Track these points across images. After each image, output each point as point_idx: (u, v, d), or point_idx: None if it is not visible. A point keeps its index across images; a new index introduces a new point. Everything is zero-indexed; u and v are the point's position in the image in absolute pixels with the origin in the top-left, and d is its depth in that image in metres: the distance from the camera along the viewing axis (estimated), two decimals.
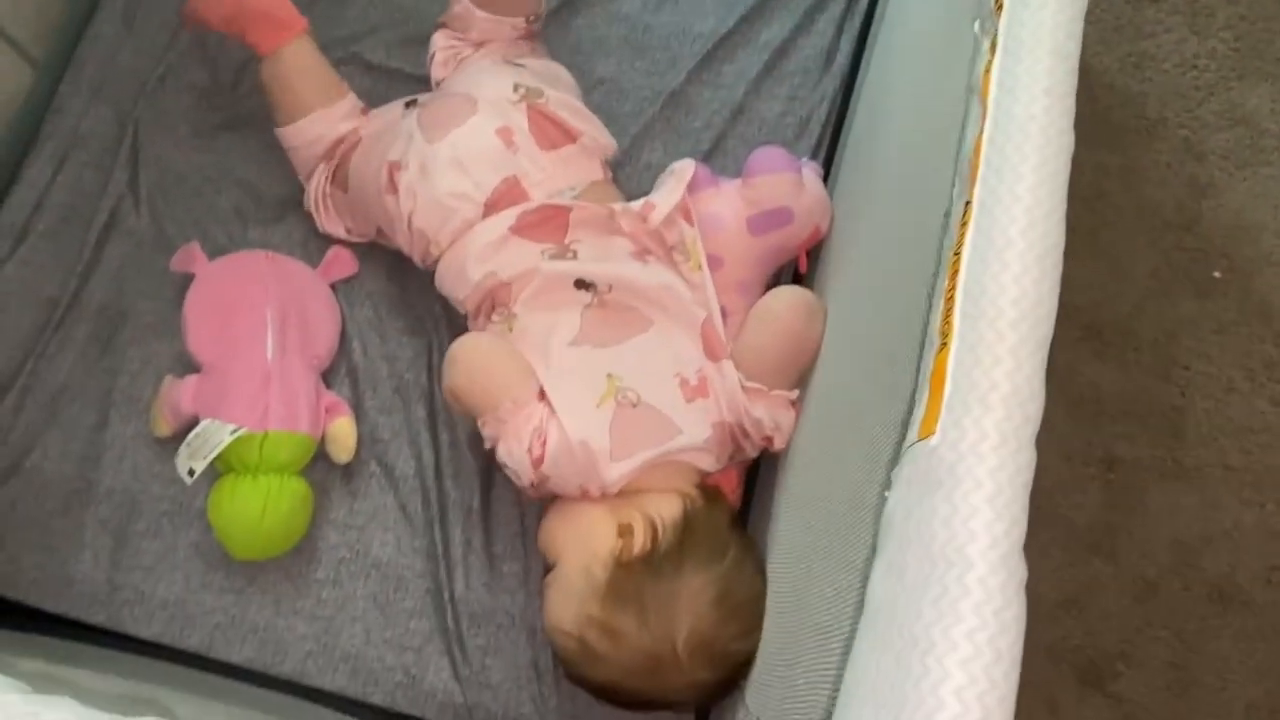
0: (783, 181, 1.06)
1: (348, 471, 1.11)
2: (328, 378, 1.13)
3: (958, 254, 0.56)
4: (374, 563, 1.08)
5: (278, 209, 1.20)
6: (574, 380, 0.98)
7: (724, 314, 1.08)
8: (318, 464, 1.10)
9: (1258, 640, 1.34)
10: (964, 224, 0.57)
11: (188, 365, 1.12)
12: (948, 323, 0.54)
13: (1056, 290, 0.54)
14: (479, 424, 1.00)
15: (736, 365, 1.00)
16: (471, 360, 1.01)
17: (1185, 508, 1.38)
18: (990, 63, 0.60)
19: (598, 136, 1.11)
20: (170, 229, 1.19)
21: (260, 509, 1.03)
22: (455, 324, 1.12)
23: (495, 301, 1.04)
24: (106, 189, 1.19)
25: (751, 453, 1.02)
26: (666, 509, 0.94)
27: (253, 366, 1.07)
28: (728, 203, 1.08)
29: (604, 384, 0.97)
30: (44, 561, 1.07)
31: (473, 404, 1.00)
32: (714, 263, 1.08)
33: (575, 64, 1.23)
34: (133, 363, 1.14)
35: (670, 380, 0.99)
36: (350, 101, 1.17)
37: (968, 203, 0.57)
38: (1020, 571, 0.50)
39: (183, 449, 1.03)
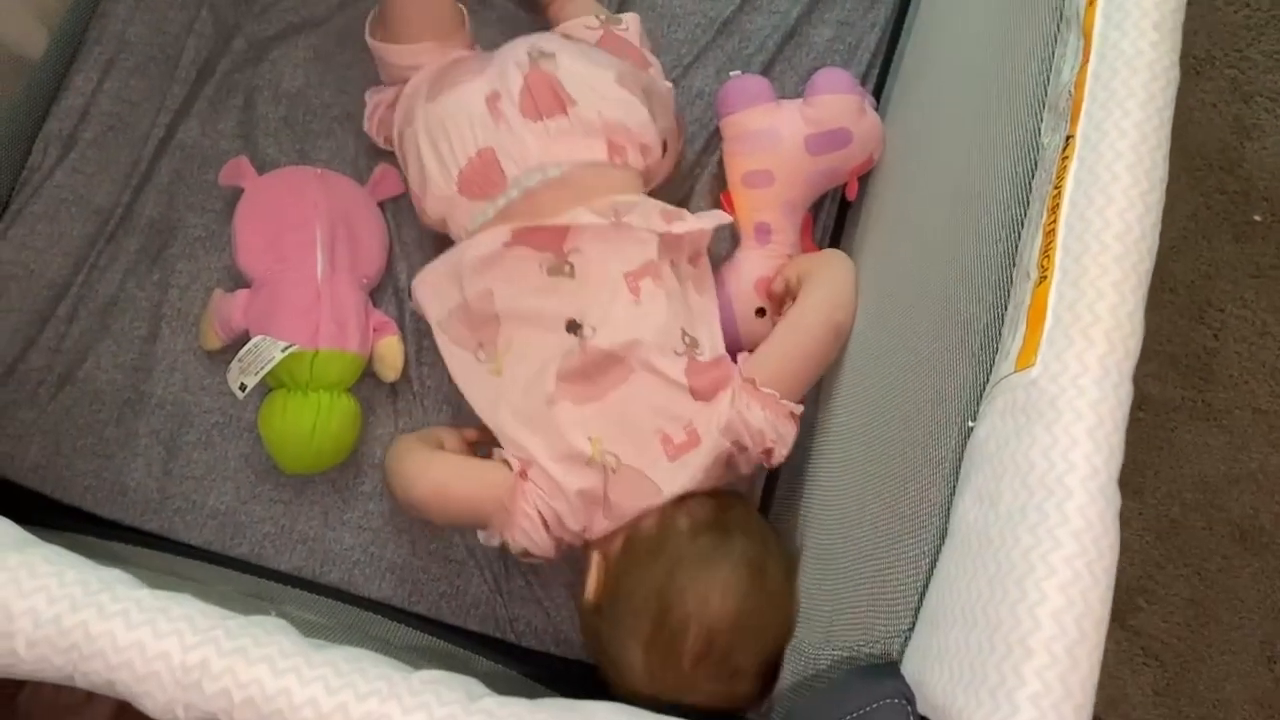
0: (846, 103, 1.07)
1: (394, 390, 1.12)
2: (375, 297, 1.14)
3: (1058, 188, 0.57)
4: None
5: (327, 123, 1.19)
6: (559, 439, 0.93)
7: (767, 230, 1.09)
8: (365, 381, 1.11)
9: (1277, 580, 1.36)
10: (1065, 158, 0.57)
11: (236, 279, 1.13)
12: (1047, 256, 0.55)
13: (1159, 226, 0.55)
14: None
15: (756, 367, 0.97)
16: (439, 486, 0.97)
17: (1213, 448, 1.39)
18: None
19: (604, 111, 0.99)
20: (221, 142, 1.19)
21: (311, 424, 1.04)
22: None
23: (482, 339, 0.99)
24: (164, 103, 1.19)
25: (745, 470, 0.99)
26: (616, 541, 0.94)
27: (303, 283, 1.08)
28: (786, 119, 1.08)
29: (588, 446, 0.93)
30: (98, 469, 1.09)
31: (455, 521, 1.00)
32: (764, 178, 1.08)
33: None
34: (182, 276, 1.15)
35: (652, 439, 0.93)
36: (464, 35, 1.09)
37: (1069, 137, 0.58)
38: (1116, 501, 0.51)
39: (234, 364, 1.04)
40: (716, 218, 1.04)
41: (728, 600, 0.84)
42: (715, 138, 1.18)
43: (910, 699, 0.50)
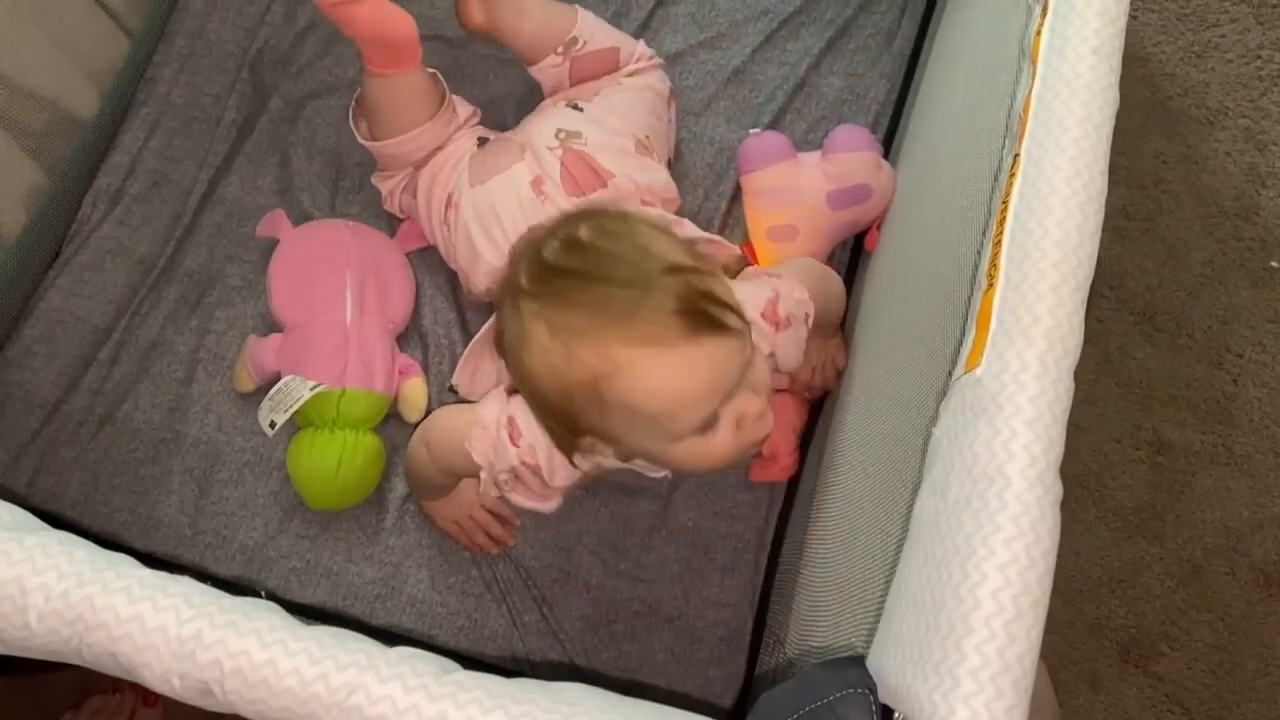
0: (865, 160, 1.12)
1: None
2: (401, 341, 1.19)
3: (1005, 202, 0.60)
4: None
5: (359, 178, 1.25)
6: None
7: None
8: (390, 422, 1.15)
9: None
10: (1012, 175, 0.60)
11: (270, 325, 1.18)
12: (994, 265, 0.58)
13: (1098, 235, 0.58)
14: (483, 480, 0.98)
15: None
16: (439, 425, 1.04)
17: (1234, 493, 1.39)
18: (1041, 26, 0.64)
19: (636, 177, 1.09)
20: (259, 197, 1.25)
21: (336, 462, 1.08)
22: None
23: None
24: (206, 159, 1.26)
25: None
26: None
27: (332, 327, 1.13)
28: (807, 176, 1.13)
29: None
30: (134, 504, 1.14)
31: (452, 456, 1.00)
32: (789, 233, 1.13)
33: (642, 39, 1.27)
34: (219, 323, 1.20)
35: None
36: (449, 105, 1.14)
37: (1016, 155, 0.61)
38: (1055, 489, 0.54)
39: (265, 403, 1.09)
40: (722, 242, 1.11)
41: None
42: (729, 186, 1.22)
43: (872, 689, 0.52)
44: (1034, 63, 0.64)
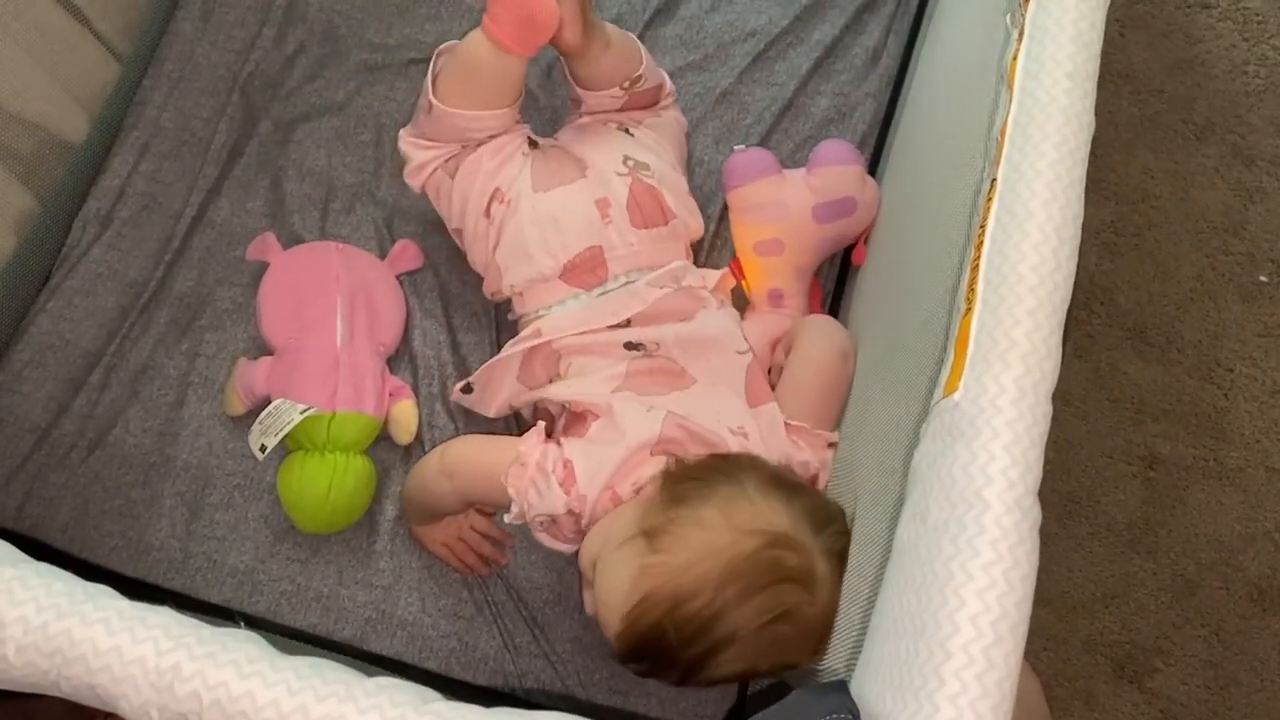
0: (850, 173, 1.13)
1: (408, 452, 1.16)
2: (391, 364, 1.19)
3: (983, 227, 0.61)
4: None
5: (349, 201, 1.26)
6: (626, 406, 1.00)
7: (780, 296, 1.14)
8: (380, 444, 1.15)
9: None
10: (989, 199, 0.61)
11: (261, 349, 1.18)
12: (972, 289, 0.59)
13: (1075, 258, 0.58)
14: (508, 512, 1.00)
15: (779, 404, 1.02)
16: (468, 458, 1.05)
17: (1226, 508, 1.39)
18: (1017, 51, 0.65)
19: (689, 220, 1.13)
20: (249, 220, 1.25)
21: (327, 485, 1.08)
22: (508, 320, 1.17)
23: (550, 374, 1.06)
24: (196, 183, 1.26)
25: None
26: None
27: (323, 350, 1.13)
28: (793, 190, 1.14)
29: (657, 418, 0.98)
30: (124, 529, 1.13)
31: (481, 489, 1.03)
32: (774, 247, 1.14)
33: None
34: (210, 346, 1.20)
35: (713, 440, 0.99)
36: (521, 100, 1.15)
37: (993, 180, 0.62)
38: (1034, 513, 0.54)
39: (255, 426, 1.09)
40: (721, 277, 1.12)
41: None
42: (718, 207, 1.23)
43: (855, 713, 0.52)
44: (1010, 87, 0.64)
